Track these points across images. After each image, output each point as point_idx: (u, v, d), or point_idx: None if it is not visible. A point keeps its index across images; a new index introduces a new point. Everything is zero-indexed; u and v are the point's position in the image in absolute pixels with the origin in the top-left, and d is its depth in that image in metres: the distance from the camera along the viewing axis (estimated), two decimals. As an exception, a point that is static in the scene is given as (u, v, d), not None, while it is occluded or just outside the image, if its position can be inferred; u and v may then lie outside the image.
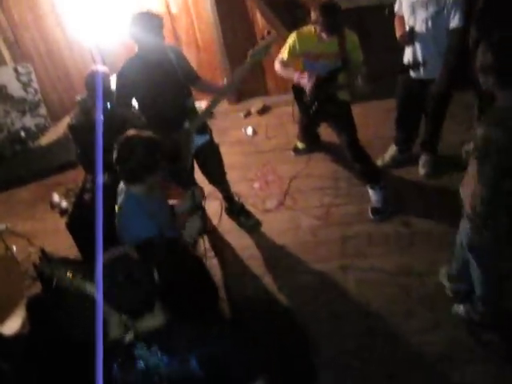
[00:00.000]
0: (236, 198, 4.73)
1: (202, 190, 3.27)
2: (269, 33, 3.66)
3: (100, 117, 4.44)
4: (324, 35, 4.07)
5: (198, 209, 3.16)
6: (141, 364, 2.01)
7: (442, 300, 3.77)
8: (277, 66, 4.35)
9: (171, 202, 3.27)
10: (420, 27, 4.08)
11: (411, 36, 4.14)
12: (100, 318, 2.06)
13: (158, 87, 3.83)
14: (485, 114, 2.86)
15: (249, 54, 3.65)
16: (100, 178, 4.27)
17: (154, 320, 2.10)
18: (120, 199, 2.88)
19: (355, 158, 4.48)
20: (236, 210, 4.68)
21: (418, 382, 3.35)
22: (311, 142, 5.21)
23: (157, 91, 3.85)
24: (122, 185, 2.94)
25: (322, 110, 4.35)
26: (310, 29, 4.20)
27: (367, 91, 4.13)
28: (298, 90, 4.39)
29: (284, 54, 4.30)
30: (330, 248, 4.34)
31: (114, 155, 2.71)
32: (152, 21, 3.67)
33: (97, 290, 2.16)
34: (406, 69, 4.30)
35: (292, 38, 4.24)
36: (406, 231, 4.34)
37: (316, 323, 3.81)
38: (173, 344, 2.05)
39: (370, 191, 4.55)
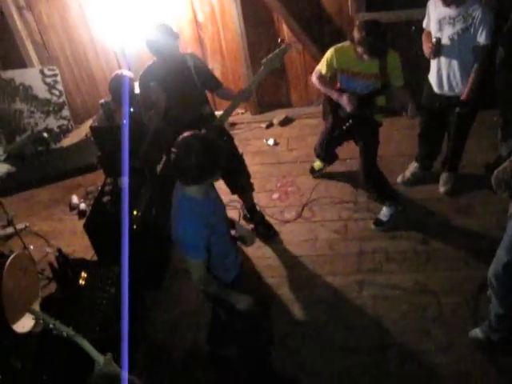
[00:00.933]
0: (258, 209, 4.71)
1: None
2: (282, 41, 3.65)
3: (125, 121, 4.48)
4: (365, 56, 3.90)
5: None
6: None
7: (457, 320, 3.73)
8: (314, 79, 4.28)
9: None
10: (446, 43, 4.06)
11: (438, 47, 4.09)
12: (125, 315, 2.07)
13: (175, 94, 3.87)
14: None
15: (262, 62, 3.65)
16: (125, 181, 4.31)
17: None
18: (174, 200, 2.85)
19: (368, 181, 4.50)
20: (256, 220, 4.67)
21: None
22: (329, 158, 5.12)
23: (174, 98, 3.88)
24: (178, 185, 2.87)
25: (355, 129, 4.35)
26: (349, 45, 4.06)
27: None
28: (333, 104, 4.34)
29: (322, 68, 4.20)
30: (347, 262, 4.32)
31: (172, 156, 2.62)
32: (167, 31, 3.72)
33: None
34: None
35: (330, 53, 4.14)
36: (423, 249, 4.30)
37: (329, 336, 3.80)
38: None
39: (383, 206, 4.56)
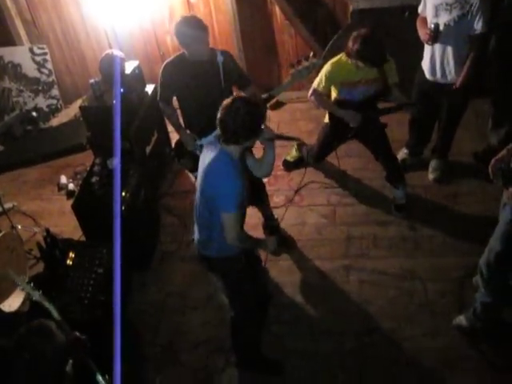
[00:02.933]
0: (275, 216, 4.57)
1: None
2: (314, 55, 3.60)
3: (115, 101, 4.45)
4: (360, 64, 3.88)
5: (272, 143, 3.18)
6: None
7: (442, 307, 3.77)
8: (312, 98, 4.21)
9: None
10: (442, 30, 4.03)
11: (436, 34, 4.03)
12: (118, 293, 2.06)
13: (199, 90, 3.83)
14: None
15: (290, 73, 3.60)
16: (117, 162, 4.27)
17: None
18: (209, 158, 2.90)
19: (387, 167, 4.48)
20: (271, 227, 4.46)
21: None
22: (321, 160, 4.99)
23: (196, 93, 3.86)
24: (210, 139, 3.00)
25: (360, 135, 4.36)
26: (345, 57, 4.01)
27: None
28: (336, 119, 4.30)
29: (320, 85, 4.13)
30: (335, 247, 4.34)
31: (218, 115, 2.76)
32: (195, 24, 3.66)
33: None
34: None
35: (328, 69, 4.07)
36: (411, 235, 4.33)
37: (316, 320, 3.84)
38: None
39: (394, 190, 4.54)
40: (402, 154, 4.99)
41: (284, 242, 4.37)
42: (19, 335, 2.06)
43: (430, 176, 4.82)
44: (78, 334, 2.49)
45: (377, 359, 3.52)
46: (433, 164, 4.85)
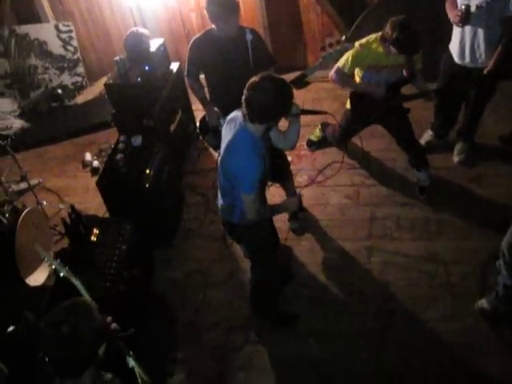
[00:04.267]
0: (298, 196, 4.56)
1: None
2: (346, 39, 3.55)
3: (139, 79, 4.46)
4: (393, 50, 3.81)
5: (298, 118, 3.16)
6: None
7: (464, 290, 3.74)
8: (335, 76, 4.14)
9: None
10: (473, 12, 3.93)
11: (467, 15, 3.94)
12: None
13: (226, 66, 3.84)
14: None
15: (321, 56, 3.56)
16: (137, 140, 4.31)
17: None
18: (232, 134, 2.92)
19: (409, 152, 4.45)
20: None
21: (433, 368, 3.34)
22: (344, 143, 5.00)
23: (223, 69, 3.86)
24: (234, 115, 3.00)
25: (382, 119, 4.33)
26: (374, 40, 3.95)
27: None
28: (357, 98, 4.29)
29: (346, 65, 4.06)
30: (357, 228, 4.33)
31: (245, 92, 2.75)
32: (226, 1, 3.64)
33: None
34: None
35: (358, 50, 4.01)
36: (434, 217, 4.30)
37: (337, 300, 3.84)
38: None
39: (417, 173, 4.51)
40: (427, 135, 4.93)
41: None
42: (60, 309, 2.08)
43: (455, 158, 4.77)
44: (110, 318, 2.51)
45: (397, 341, 3.52)
46: (458, 146, 4.79)
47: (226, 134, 2.98)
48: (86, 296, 2.62)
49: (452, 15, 4.06)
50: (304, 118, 3.16)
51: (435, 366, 3.35)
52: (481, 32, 4.00)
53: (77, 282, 2.66)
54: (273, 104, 2.70)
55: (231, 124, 2.98)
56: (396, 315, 3.67)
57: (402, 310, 3.70)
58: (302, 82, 3.82)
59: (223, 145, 2.99)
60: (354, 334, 3.60)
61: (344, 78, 4.14)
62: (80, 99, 6.75)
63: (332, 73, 4.16)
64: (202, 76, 4.17)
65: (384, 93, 4.06)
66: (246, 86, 2.74)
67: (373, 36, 3.97)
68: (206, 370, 3.58)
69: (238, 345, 3.69)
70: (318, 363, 3.49)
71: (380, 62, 3.99)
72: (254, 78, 2.74)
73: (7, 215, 4.24)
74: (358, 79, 4.18)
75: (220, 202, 3.24)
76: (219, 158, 3.07)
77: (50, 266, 2.68)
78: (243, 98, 2.76)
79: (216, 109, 4.02)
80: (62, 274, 2.66)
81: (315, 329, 3.68)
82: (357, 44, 4.02)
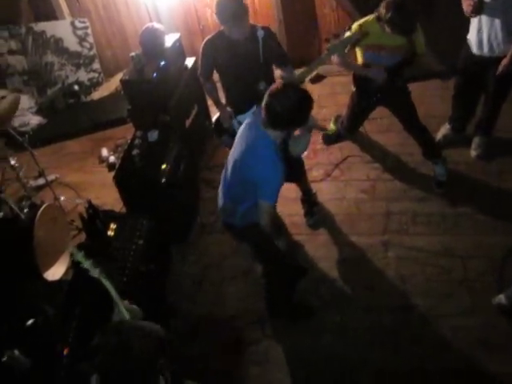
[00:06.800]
0: (313, 191, 4.54)
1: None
2: (349, 28, 3.54)
3: (155, 74, 4.46)
4: (388, 30, 3.80)
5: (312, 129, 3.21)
6: None
7: (481, 285, 3.71)
8: (335, 59, 4.10)
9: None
10: (489, 1, 3.87)
11: (480, 5, 3.88)
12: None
13: (239, 66, 3.82)
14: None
15: (327, 47, 3.56)
16: (153, 135, 4.33)
17: None
18: (251, 136, 2.94)
19: (418, 139, 4.42)
20: (309, 202, 4.49)
21: (448, 364, 3.32)
22: (354, 130, 4.91)
23: (236, 70, 3.85)
24: (251, 120, 3.03)
25: (387, 102, 4.30)
26: (373, 20, 3.92)
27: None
28: (360, 80, 4.27)
29: None
30: (373, 222, 4.31)
31: (266, 99, 2.77)
32: (239, 5, 3.61)
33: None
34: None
35: (356, 30, 3.96)
36: (451, 212, 4.26)
37: (352, 295, 3.84)
38: None
39: (434, 166, 4.48)
40: (444, 129, 4.89)
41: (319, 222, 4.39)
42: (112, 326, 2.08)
43: (473, 153, 4.72)
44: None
45: (412, 336, 3.50)
46: (476, 140, 4.73)
47: (242, 138, 2.98)
48: (116, 298, 2.62)
49: (465, 5, 4.00)
50: (319, 113, 3.16)
51: (451, 363, 3.33)
52: (497, 22, 3.93)
53: (109, 285, 2.66)
54: (293, 113, 2.73)
55: (248, 129, 2.98)
56: (412, 310, 3.65)
57: (417, 305, 3.68)
58: (314, 77, 3.81)
59: (238, 149, 2.98)
60: (369, 329, 3.59)
61: (344, 59, 4.13)
62: (96, 95, 6.79)
63: (334, 56, 4.12)
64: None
65: (385, 77, 4.03)
66: (268, 92, 2.77)
67: (371, 16, 3.96)
68: (221, 364, 3.60)
69: (253, 339, 3.70)
70: (334, 358, 3.49)
71: (378, 42, 3.96)
72: (277, 85, 2.77)
73: (26, 210, 4.28)
74: (360, 60, 4.17)
75: (221, 203, 3.25)
76: (230, 155, 3.08)
77: (83, 265, 2.68)
78: (263, 103, 2.78)
79: (229, 109, 4.03)
80: (93, 275, 2.66)
81: (330, 324, 3.68)
82: (355, 25, 3.99)
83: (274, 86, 2.77)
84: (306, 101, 2.78)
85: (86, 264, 2.67)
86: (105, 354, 1.96)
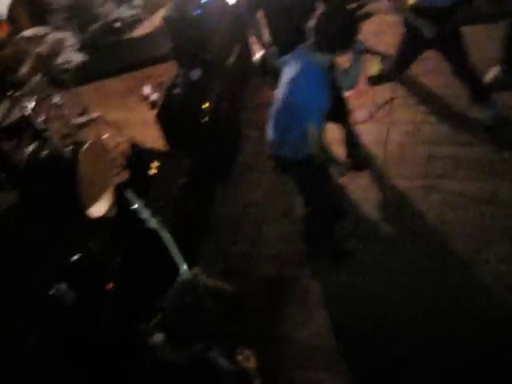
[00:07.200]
0: (357, 133, 4.46)
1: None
2: None
3: (198, 11, 4.40)
4: None
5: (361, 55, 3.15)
6: None
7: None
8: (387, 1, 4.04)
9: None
10: None
11: None
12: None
13: (284, 2, 3.74)
14: None
15: None
16: (195, 74, 4.30)
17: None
18: (298, 65, 2.95)
19: (467, 81, 4.24)
20: (351, 143, 4.39)
21: (482, 310, 3.32)
22: (402, 72, 4.75)
23: (281, 5, 3.77)
24: (297, 51, 3.03)
25: (437, 43, 4.11)
26: None
27: None
28: (411, 26, 4.09)
29: None
30: (416, 166, 4.23)
31: (312, 22, 2.78)
32: None
33: None
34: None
35: None
36: (497, 158, 4.13)
37: (391, 238, 3.84)
38: None
39: (482, 110, 4.32)
40: (494, 71, 4.68)
41: (359, 165, 4.35)
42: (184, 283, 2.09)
43: (524, 96, 4.55)
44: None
45: (451, 281, 3.50)
46: (529, 82, 4.55)
47: (289, 69, 2.97)
48: (175, 249, 2.66)
49: None
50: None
51: (491, 309, 3.31)
52: None
53: (167, 236, 2.70)
54: (341, 29, 2.73)
55: (294, 59, 2.97)
56: (452, 255, 3.63)
57: (457, 250, 3.65)
58: (362, 14, 3.70)
59: (286, 79, 2.98)
60: (408, 271, 3.60)
61: (397, 2, 4.01)
62: (138, 32, 6.75)
63: None
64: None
65: (434, 33, 3.87)
66: (315, 14, 2.76)
67: None
68: (259, 303, 3.68)
69: (292, 279, 3.76)
70: (373, 299, 3.52)
71: None
72: (323, 7, 2.77)
73: (69, 148, 4.35)
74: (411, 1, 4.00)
75: (270, 136, 3.29)
76: (278, 92, 3.06)
77: (141, 214, 2.72)
78: (311, 25, 2.77)
79: (274, 47, 3.95)
80: (151, 226, 2.70)
81: (370, 265, 3.70)
82: None
83: (320, 8, 2.78)
84: (352, 19, 2.81)
85: (144, 212, 2.71)
86: (177, 312, 1.97)
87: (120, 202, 4.08)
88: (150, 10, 6.88)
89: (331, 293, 3.64)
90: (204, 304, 1.95)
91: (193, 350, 2.03)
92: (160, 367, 2.06)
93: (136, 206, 2.68)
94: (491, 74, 4.67)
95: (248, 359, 2.43)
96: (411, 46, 4.28)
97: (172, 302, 1.99)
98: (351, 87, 3.35)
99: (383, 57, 4.86)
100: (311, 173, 3.29)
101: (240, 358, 2.43)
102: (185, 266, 2.64)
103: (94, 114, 5.38)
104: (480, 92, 4.29)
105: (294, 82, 2.93)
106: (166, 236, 2.69)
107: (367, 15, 5.70)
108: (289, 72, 2.97)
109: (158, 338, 2.08)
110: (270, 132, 3.28)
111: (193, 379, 2.04)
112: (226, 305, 2.03)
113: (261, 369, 2.36)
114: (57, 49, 4.66)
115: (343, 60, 3.09)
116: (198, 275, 2.10)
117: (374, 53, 3.16)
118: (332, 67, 2.99)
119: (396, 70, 4.62)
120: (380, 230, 3.91)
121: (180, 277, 2.19)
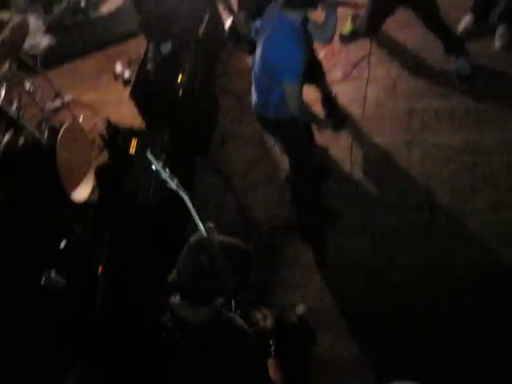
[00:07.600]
0: (334, 93, 4.43)
1: None
2: None
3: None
4: None
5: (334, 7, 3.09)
6: None
7: (507, 179, 3.65)
8: None
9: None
10: None
11: None
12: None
13: None
14: None
15: None
16: (166, 47, 4.23)
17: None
18: (269, 24, 2.98)
19: (438, 33, 4.22)
20: (330, 104, 4.40)
21: (476, 259, 3.37)
22: (375, 31, 4.63)
23: None
24: (269, 10, 3.06)
25: None
26: None
27: None
28: None
29: None
30: (396, 121, 4.22)
31: None
32: None
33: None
34: None
35: None
36: (475, 107, 4.12)
37: (377, 196, 3.87)
38: None
39: (456, 60, 4.29)
40: (465, 20, 4.66)
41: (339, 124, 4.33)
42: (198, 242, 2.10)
43: (497, 43, 4.50)
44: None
45: (439, 233, 3.53)
46: (500, 30, 4.50)
47: (263, 29, 3.00)
48: (193, 210, 2.67)
49: None
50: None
51: (480, 257, 3.36)
52: None
53: (186, 197, 2.70)
54: None
55: (267, 19, 3.00)
56: (438, 208, 3.66)
57: (443, 202, 3.68)
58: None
59: (261, 40, 3.00)
60: (396, 227, 3.63)
61: None
62: (104, 9, 6.59)
63: None
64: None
65: None
66: None
67: None
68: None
69: (282, 244, 3.78)
70: (363, 258, 3.57)
71: None
72: None
73: (46, 134, 4.28)
74: None
75: (254, 98, 3.28)
76: (256, 54, 3.08)
77: (161, 175, 2.69)
78: None
79: (243, 12, 3.88)
80: (172, 187, 2.69)
81: (357, 224, 3.73)
82: None
83: None
84: None
85: (164, 175, 2.69)
86: (192, 270, 2.01)
87: (102, 185, 4.06)
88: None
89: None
90: (218, 262, 2.00)
91: (211, 308, 2.08)
92: (180, 326, 2.10)
93: (156, 167, 2.65)
94: (463, 23, 4.64)
95: (266, 318, 2.48)
96: (382, 1, 4.23)
97: (186, 264, 2.03)
98: (329, 40, 3.30)
99: (354, 16, 4.81)
100: (295, 133, 3.33)
101: (258, 316, 2.48)
102: (201, 226, 2.66)
103: (68, 97, 5.29)
104: (453, 43, 4.26)
105: (269, 41, 2.95)
106: (185, 197, 2.69)
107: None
108: (265, 32, 2.98)
109: (176, 297, 2.13)
110: (254, 94, 3.29)
111: (212, 338, 2.09)
112: (239, 259, 2.10)
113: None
114: (22, 33, 4.52)
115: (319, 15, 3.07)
116: (211, 232, 2.13)
117: (347, 4, 3.09)
118: (305, 23, 2.98)
119: (369, 27, 4.55)
120: (365, 189, 3.91)
121: (192, 237, 2.20)
